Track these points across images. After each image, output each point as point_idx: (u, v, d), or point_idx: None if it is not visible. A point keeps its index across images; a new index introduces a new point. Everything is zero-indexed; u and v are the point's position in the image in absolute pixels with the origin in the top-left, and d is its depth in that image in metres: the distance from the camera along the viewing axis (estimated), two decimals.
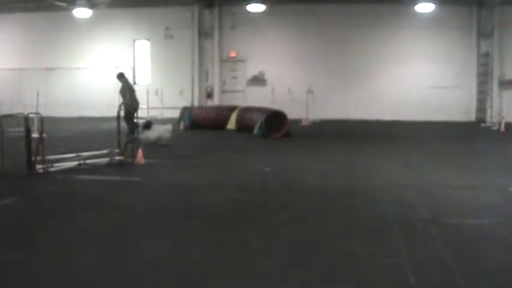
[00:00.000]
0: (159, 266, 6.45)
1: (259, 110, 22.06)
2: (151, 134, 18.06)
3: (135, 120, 17.34)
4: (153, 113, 27.80)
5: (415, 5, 28.22)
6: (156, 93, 29.79)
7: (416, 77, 30.23)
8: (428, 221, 8.28)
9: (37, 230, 8.26)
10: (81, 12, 29.77)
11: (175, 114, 25.60)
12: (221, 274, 6.24)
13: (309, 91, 28.68)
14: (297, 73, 30.56)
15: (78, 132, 22.59)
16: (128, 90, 19.48)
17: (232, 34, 31.11)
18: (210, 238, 7.64)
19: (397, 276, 6.08)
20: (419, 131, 24.60)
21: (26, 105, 22.78)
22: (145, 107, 24.64)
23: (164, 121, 26.51)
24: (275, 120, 20.60)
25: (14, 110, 19.20)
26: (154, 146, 17.04)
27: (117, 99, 30.03)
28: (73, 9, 29.67)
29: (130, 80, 30.93)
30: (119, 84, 19.45)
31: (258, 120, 20.60)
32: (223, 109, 24.70)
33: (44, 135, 12.63)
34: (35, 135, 14.16)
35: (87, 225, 8.44)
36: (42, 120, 13.00)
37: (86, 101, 31.61)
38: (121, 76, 19.82)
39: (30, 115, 13.65)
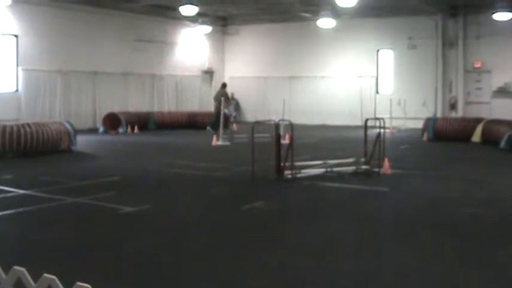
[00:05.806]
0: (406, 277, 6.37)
1: (508, 123, 21.00)
2: None
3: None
4: (396, 123, 27.53)
5: None
6: (399, 103, 29.44)
7: None
8: None
9: (284, 231, 8.60)
10: (325, 23, 30.49)
11: (418, 125, 25.15)
12: None
13: None
14: None
15: (321, 140, 22.96)
16: (225, 96, 25.26)
17: (477, 44, 29.82)
18: (453, 253, 7.37)
19: None
20: None
21: (270, 112, 23.65)
22: (388, 116, 24.39)
23: (404, 131, 26.24)
24: None
25: (259, 117, 20.16)
26: None
27: (359, 108, 30.72)
28: (317, 19, 30.46)
29: (370, 89, 31.39)
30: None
31: (506, 134, 19.61)
32: (468, 121, 23.81)
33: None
34: (283, 141, 14.58)
35: (332, 231, 8.57)
36: (292, 127, 13.39)
37: (328, 109, 32.25)
38: (224, 86, 26.52)
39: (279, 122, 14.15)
